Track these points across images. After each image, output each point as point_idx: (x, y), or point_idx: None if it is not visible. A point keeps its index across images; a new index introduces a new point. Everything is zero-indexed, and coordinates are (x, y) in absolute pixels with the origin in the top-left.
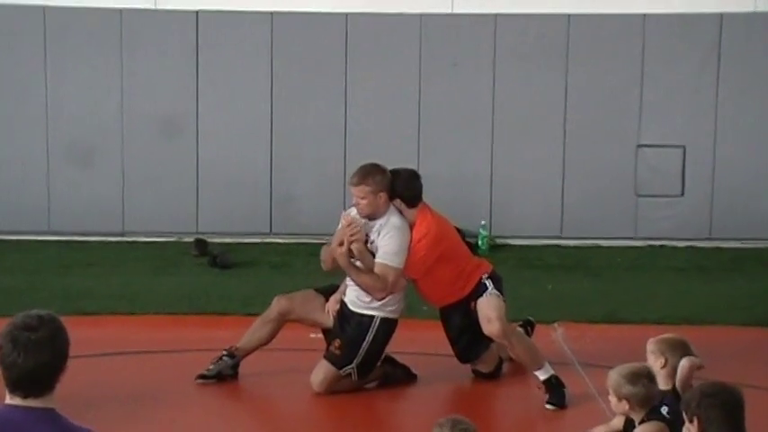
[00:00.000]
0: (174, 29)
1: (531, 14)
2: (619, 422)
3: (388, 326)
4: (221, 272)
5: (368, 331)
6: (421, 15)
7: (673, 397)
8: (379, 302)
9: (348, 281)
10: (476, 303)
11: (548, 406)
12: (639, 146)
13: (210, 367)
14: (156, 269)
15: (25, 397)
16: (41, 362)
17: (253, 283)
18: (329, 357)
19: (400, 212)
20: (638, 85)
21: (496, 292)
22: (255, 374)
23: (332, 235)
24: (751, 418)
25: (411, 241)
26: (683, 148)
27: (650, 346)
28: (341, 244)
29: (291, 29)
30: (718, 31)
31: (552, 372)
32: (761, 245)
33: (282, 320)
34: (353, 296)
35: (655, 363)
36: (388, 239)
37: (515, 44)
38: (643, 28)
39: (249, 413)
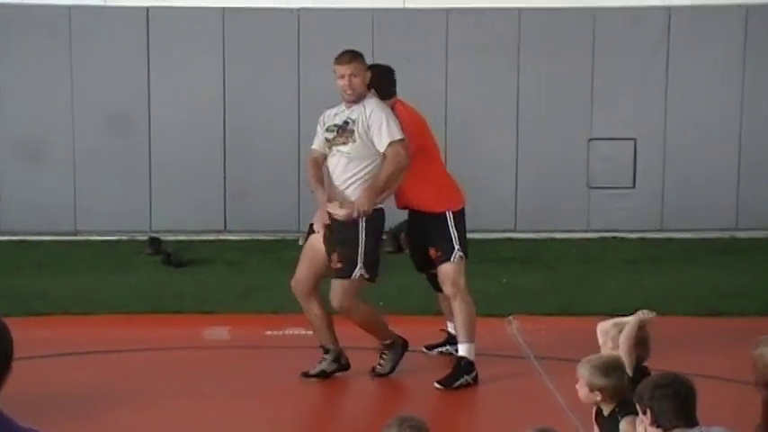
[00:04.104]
0: (124, 25)
1: (482, 9)
2: None
3: (377, 217)
4: (175, 270)
5: (358, 228)
6: (373, 10)
7: None
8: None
9: (332, 183)
10: (438, 256)
11: (436, 384)
12: (591, 139)
13: (317, 366)
14: (109, 268)
15: None
16: None
17: (207, 281)
18: (336, 275)
19: None
20: (589, 79)
21: (461, 254)
22: (215, 373)
23: (286, 231)
24: (702, 408)
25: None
26: (634, 140)
27: (602, 325)
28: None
29: (243, 24)
30: (666, 23)
31: (472, 358)
32: (711, 235)
33: (314, 291)
34: (336, 198)
35: (602, 347)
36: (374, 118)
37: (467, 39)
38: (593, 21)
39: (205, 413)
